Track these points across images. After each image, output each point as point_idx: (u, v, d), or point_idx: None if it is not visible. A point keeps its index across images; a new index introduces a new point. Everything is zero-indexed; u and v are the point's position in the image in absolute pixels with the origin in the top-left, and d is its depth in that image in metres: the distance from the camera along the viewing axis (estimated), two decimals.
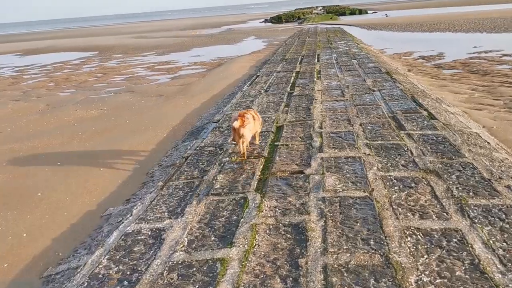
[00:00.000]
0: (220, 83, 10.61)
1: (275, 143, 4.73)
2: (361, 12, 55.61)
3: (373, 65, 10.12)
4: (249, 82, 9.43)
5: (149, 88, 11.19)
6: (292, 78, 9.14)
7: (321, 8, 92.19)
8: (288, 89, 7.90)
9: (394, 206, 3.06)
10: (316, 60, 11.76)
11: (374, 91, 7.24)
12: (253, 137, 4.45)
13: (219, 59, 16.60)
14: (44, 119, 8.21)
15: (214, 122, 6.24)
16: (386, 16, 42.47)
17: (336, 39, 18.36)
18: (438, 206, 3.03)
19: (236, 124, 3.88)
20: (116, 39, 36.24)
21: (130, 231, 3.04)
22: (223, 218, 3.06)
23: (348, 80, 8.32)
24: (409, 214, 2.93)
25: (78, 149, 5.95)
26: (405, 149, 4.26)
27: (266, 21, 59.81)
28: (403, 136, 4.66)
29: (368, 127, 5.10)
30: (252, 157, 4.27)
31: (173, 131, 6.54)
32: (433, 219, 2.85)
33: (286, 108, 6.46)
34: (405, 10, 49.10)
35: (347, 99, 6.68)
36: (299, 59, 12.36)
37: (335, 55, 12.62)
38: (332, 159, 4.09)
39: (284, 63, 11.82)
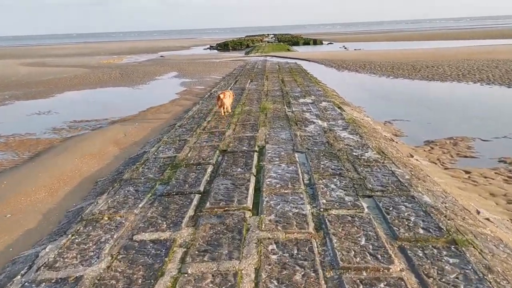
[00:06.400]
0: None
1: None
2: (315, 42, 49.93)
3: None
4: None
5: None
6: None
7: (273, 36, 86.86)
8: None
9: None
10: (249, 193, 3.94)
11: None
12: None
13: (69, 129, 8.36)
14: None
15: None
16: (345, 48, 36.71)
17: (296, 90, 10.78)
18: None
19: (221, 96, 7.41)
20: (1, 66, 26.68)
21: None
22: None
23: None
24: None
25: None
26: None
27: (211, 47, 52.12)
28: None
29: None
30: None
31: None
32: None
33: None
34: (362, 43, 43.94)
35: None
36: (209, 169, 4.57)
37: (303, 157, 4.93)
38: None
39: (164, 190, 3.95)
